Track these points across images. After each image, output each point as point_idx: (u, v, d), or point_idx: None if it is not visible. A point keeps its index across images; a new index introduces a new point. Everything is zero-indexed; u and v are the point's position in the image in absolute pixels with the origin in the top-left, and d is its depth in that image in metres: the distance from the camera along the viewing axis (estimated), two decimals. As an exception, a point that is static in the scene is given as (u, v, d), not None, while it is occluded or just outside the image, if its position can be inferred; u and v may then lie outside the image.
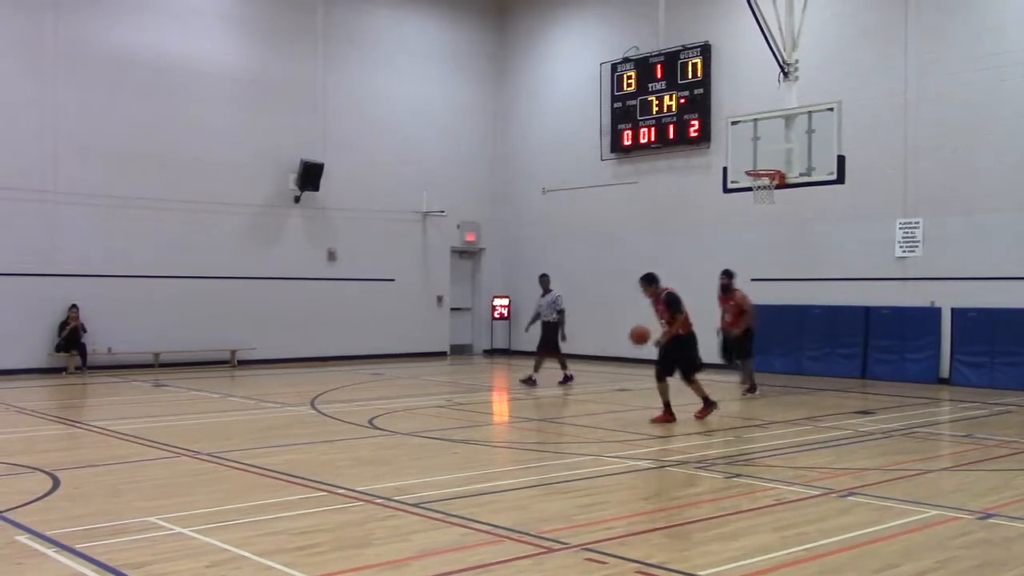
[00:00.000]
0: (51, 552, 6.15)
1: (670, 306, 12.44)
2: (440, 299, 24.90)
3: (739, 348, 15.88)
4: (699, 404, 12.73)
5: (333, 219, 23.03)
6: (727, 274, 16.03)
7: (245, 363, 21.15)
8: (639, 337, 12.50)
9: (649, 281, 12.89)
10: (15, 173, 18.75)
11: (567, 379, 17.46)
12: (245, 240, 21.73)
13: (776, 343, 19.83)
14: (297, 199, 22.34)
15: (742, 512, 7.30)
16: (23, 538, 6.48)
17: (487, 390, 18.12)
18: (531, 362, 17.84)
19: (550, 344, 17.50)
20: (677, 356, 12.53)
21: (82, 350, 19.26)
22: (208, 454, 9.85)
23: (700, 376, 12.78)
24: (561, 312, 17.52)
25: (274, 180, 22.06)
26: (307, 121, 22.56)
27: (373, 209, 23.50)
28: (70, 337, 19.11)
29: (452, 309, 25.25)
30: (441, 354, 24.60)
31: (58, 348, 19.15)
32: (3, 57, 18.76)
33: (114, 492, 8.09)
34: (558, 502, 7.69)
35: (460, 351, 25.39)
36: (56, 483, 8.34)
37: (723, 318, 16.02)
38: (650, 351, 12.90)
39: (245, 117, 21.64)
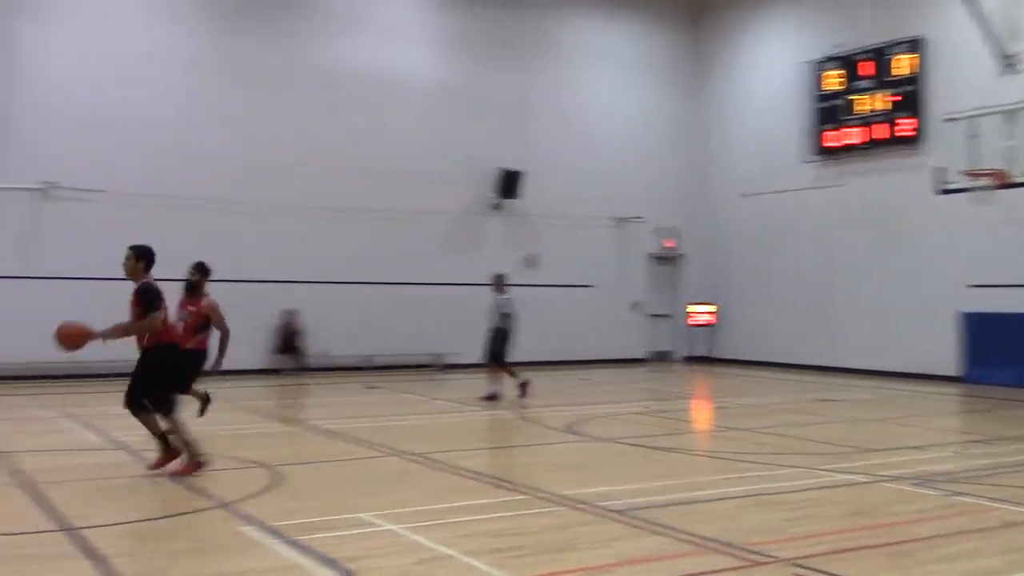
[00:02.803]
0: (272, 541, 6.51)
1: (142, 300, 8.56)
2: (638, 305, 24.77)
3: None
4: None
5: (532, 226, 23.34)
6: (200, 268, 11.50)
7: (450, 367, 21.71)
8: (68, 338, 8.33)
9: (139, 255, 8.76)
10: (230, 187, 19.90)
11: (522, 387, 15.66)
12: (446, 247, 22.37)
13: (1000, 354, 18.60)
14: (497, 206, 22.81)
15: (964, 533, 6.88)
16: (247, 528, 6.90)
17: (687, 397, 17.89)
18: (728, 371, 17.43)
19: (494, 351, 15.90)
20: (159, 374, 8.70)
21: (298, 353, 20.36)
22: (415, 454, 10.17)
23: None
24: (506, 316, 15.90)
25: (474, 187, 22.60)
26: (507, 130, 22.99)
27: (571, 215, 23.64)
28: (288, 340, 20.23)
29: (652, 315, 25.08)
30: (640, 360, 24.47)
31: (277, 350, 20.31)
32: (212, 75, 20.09)
33: (329, 488, 8.48)
34: (766, 514, 7.49)
35: (660, 358, 25.17)
36: (277, 478, 8.82)
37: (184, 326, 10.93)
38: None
39: (447, 128, 22.29)
